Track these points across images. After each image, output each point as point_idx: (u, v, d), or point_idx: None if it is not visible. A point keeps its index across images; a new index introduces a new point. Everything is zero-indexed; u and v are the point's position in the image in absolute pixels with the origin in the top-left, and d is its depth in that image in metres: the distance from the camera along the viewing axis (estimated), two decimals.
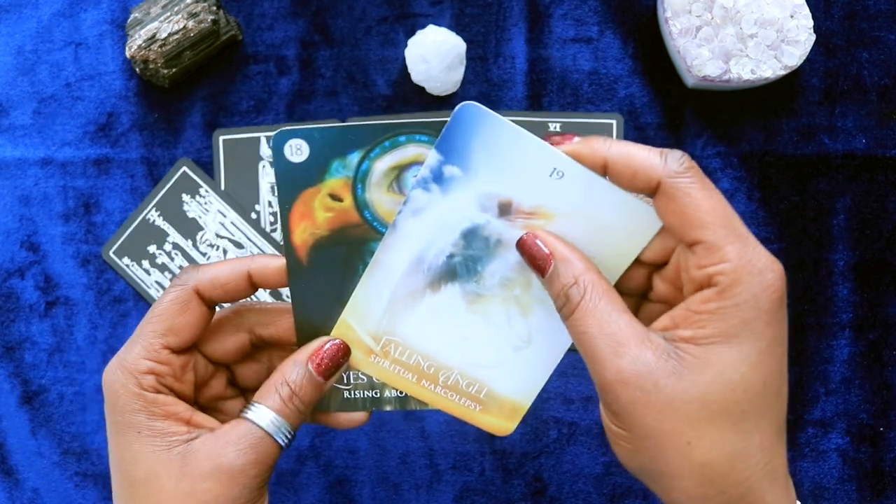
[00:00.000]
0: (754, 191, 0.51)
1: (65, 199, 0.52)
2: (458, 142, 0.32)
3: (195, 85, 0.52)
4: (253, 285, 0.34)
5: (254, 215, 0.52)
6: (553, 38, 0.52)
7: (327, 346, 0.34)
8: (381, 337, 0.35)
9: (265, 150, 0.51)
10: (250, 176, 0.51)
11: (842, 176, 0.51)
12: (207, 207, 0.52)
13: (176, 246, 0.52)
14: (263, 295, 0.52)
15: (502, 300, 0.34)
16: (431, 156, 0.32)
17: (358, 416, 0.36)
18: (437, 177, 0.32)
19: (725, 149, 0.51)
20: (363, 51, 0.52)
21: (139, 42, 0.49)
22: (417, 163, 0.33)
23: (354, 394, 0.36)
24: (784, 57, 0.48)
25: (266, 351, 0.37)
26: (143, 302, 0.52)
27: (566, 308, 0.30)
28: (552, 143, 0.31)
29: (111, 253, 0.52)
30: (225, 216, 0.52)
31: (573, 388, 0.51)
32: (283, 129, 0.33)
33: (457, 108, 0.31)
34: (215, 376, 0.36)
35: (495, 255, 0.33)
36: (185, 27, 0.48)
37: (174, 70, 0.49)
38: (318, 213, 0.34)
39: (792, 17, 0.47)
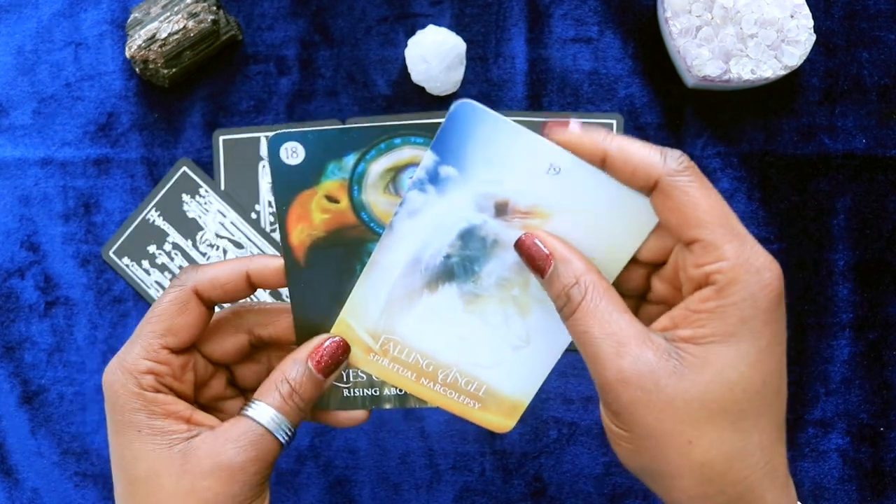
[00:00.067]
0: (754, 191, 0.51)
1: (65, 199, 0.52)
2: (453, 141, 0.32)
3: (195, 85, 0.52)
4: (252, 286, 0.34)
5: (254, 215, 0.52)
6: (553, 38, 0.52)
7: (327, 343, 0.34)
8: (380, 335, 0.35)
9: (265, 151, 0.51)
10: (250, 176, 0.51)
11: (842, 176, 0.51)
12: (207, 207, 0.52)
13: (176, 246, 0.52)
14: (263, 295, 0.52)
15: (500, 300, 0.34)
16: (427, 156, 0.32)
17: (358, 415, 0.36)
18: (433, 177, 0.32)
19: (725, 149, 0.51)
20: (363, 51, 0.52)
21: (139, 42, 0.49)
22: (413, 164, 0.33)
23: (354, 392, 0.36)
24: (784, 57, 0.48)
25: (265, 352, 0.37)
26: (142, 302, 0.52)
27: (567, 308, 0.30)
28: (550, 129, 0.31)
29: (111, 253, 0.52)
30: (225, 216, 0.52)
31: (573, 388, 0.51)
32: (279, 131, 0.33)
33: (452, 106, 0.31)
34: (215, 376, 0.36)
35: (492, 256, 0.33)
36: (185, 27, 0.48)
37: (174, 70, 0.49)
38: (315, 215, 0.34)
39: (792, 17, 0.47)
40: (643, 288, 0.33)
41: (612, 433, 0.30)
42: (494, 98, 0.51)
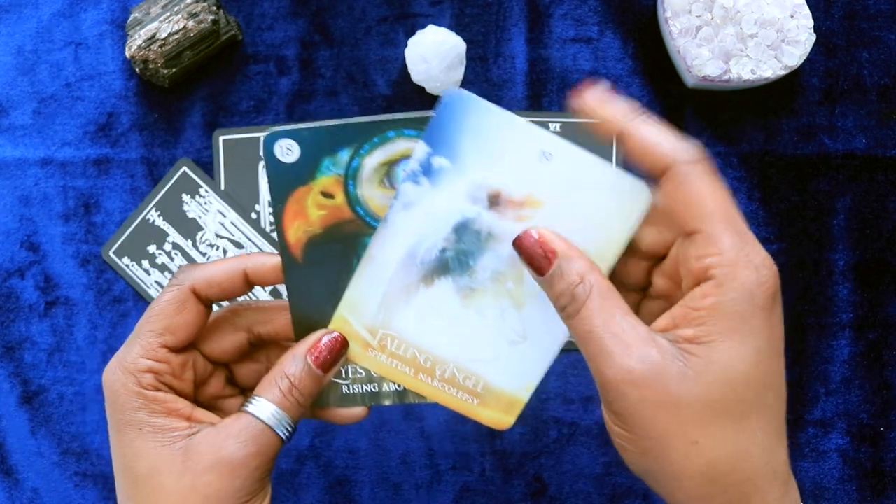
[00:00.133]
0: (754, 191, 0.51)
1: (65, 199, 0.52)
2: (445, 132, 0.32)
3: (195, 85, 0.52)
4: (249, 283, 0.34)
5: (254, 215, 0.52)
6: (553, 38, 0.52)
7: (325, 339, 0.34)
8: (378, 331, 0.35)
9: None
10: (250, 176, 0.51)
11: (842, 176, 0.51)
12: (207, 207, 0.52)
13: (176, 246, 0.52)
14: (263, 294, 0.52)
15: (495, 294, 0.34)
16: (420, 148, 0.32)
17: (357, 411, 0.36)
18: (427, 169, 0.32)
19: (725, 149, 0.51)
20: (363, 51, 0.52)
21: (139, 42, 0.49)
22: (407, 157, 0.33)
23: (353, 388, 0.36)
24: (784, 57, 0.48)
25: (264, 351, 0.37)
26: (143, 302, 0.52)
27: (571, 307, 0.30)
28: (576, 93, 0.31)
29: (111, 253, 0.52)
30: (225, 216, 0.52)
31: (573, 388, 0.51)
32: (273, 129, 0.33)
33: (443, 96, 0.31)
34: (214, 375, 0.36)
35: (486, 249, 0.33)
36: (185, 27, 0.48)
37: (174, 70, 0.49)
38: (311, 211, 0.34)
39: (792, 17, 0.47)
40: (644, 282, 0.33)
41: (616, 435, 0.30)
42: (494, 98, 0.51)
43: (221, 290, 0.34)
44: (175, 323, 0.33)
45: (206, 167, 0.52)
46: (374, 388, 0.36)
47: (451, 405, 0.35)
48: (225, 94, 0.52)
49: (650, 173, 0.30)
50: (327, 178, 0.34)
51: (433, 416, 0.51)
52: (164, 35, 0.48)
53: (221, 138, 0.51)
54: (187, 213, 0.52)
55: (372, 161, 0.33)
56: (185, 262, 0.51)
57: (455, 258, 0.33)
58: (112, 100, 0.52)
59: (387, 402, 0.36)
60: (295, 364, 0.34)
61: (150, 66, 0.49)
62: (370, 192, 0.34)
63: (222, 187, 0.52)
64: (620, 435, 0.30)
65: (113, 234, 0.52)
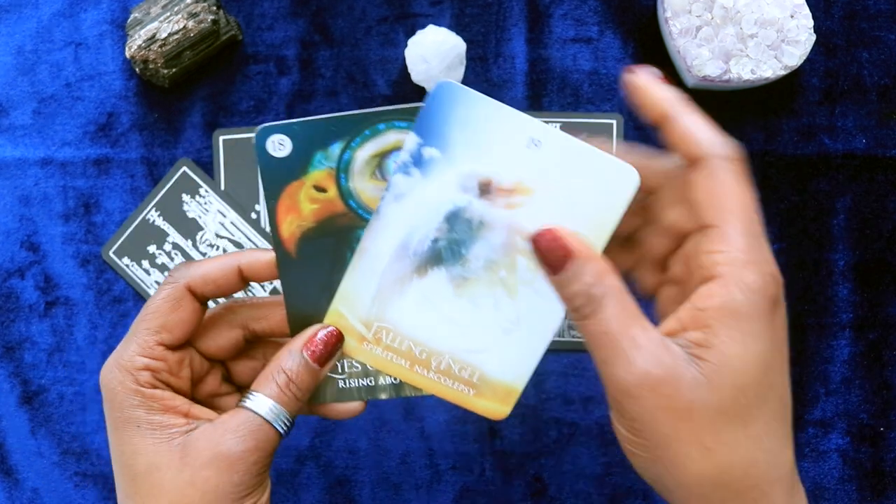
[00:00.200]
0: (754, 191, 0.51)
1: (65, 199, 0.52)
2: (435, 122, 0.32)
3: (195, 85, 0.52)
4: (244, 280, 0.35)
5: (254, 215, 0.52)
6: (553, 38, 0.52)
7: (321, 333, 0.34)
8: (373, 324, 0.35)
9: None
10: (250, 176, 0.51)
11: (842, 176, 0.51)
12: (207, 207, 0.52)
13: (176, 246, 0.52)
14: (262, 293, 0.52)
15: (488, 283, 0.34)
16: (410, 139, 0.32)
17: (354, 406, 0.36)
18: (417, 160, 0.33)
19: None
20: (363, 51, 0.52)
21: (139, 42, 0.49)
22: (398, 149, 0.33)
23: (349, 383, 0.36)
24: (784, 57, 0.48)
25: (261, 348, 0.37)
26: (142, 302, 0.52)
27: (587, 308, 0.29)
28: (630, 70, 0.31)
29: (111, 253, 0.52)
30: (225, 216, 0.52)
31: (573, 388, 0.51)
32: (265, 125, 0.33)
33: (432, 87, 0.32)
34: (211, 372, 0.36)
35: (478, 238, 0.33)
36: (185, 27, 0.48)
37: (174, 70, 0.49)
38: (304, 206, 0.34)
39: (792, 17, 0.47)
40: (664, 257, 0.33)
41: (626, 441, 0.30)
42: (494, 98, 0.51)
43: (216, 287, 0.34)
44: (171, 321, 0.33)
45: (206, 167, 0.52)
46: (371, 381, 0.36)
47: (448, 396, 0.35)
48: (225, 94, 0.52)
49: (676, 158, 0.30)
50: (319, 172, 0.34)
51: (433, 416, 0.51)
52: (164, 35, 0.48)
53: (221, 138, 0.51)
54: (187, 213, 0.51)
55: (363, 154, 0.34)
56: None
57: (447, 248, 0.34)
58: (112, 100, 0.52)
59: (383, 396, 0.36)
60: (291, 359, 0.34)
61: (150, 66, 0.49)
62: (362, 185, 0.34)
63: (222, 187, 0.52)
64: (631, 441, 0.29)
65: (113, 234, 0.52)
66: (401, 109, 0.33)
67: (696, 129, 0.30)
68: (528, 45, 0.51)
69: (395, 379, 0.36)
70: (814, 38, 0.48)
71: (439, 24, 0.51)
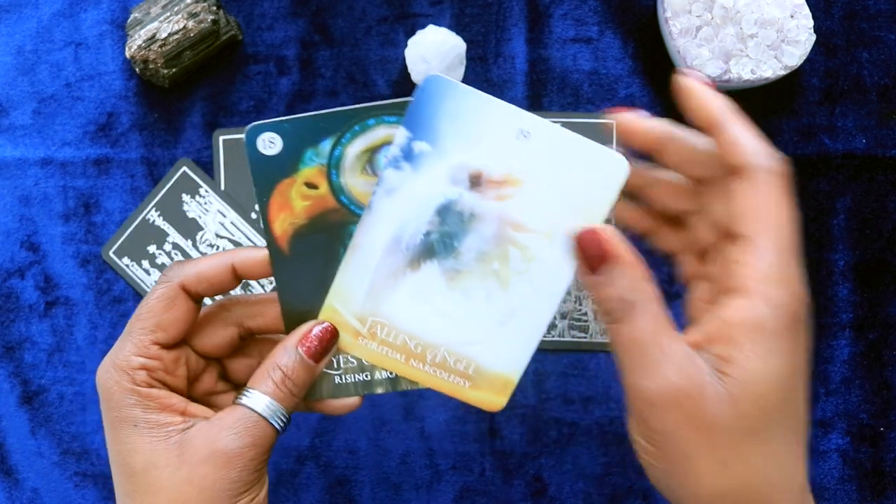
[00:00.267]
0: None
1: (65, 199, 0.52)
2: (425, 116, 0.32)
3: (195, 85, 0.52)
4: (238, 278, 0.35)
5: (254, 215, 0.52)
6: (553, 38, 0.52)
7: (316, 329, 0.34)
8: (367, 318, 0.35)
9: None
10: (250, 176, 0.51)
11: (842, 176, 0.51)
12: (207, 207, 0.52)
13: (176, 246, 0.52)
14: (259, 289, 0.52)
15: (481, 275, 0.34)
16: (400, 133, 0.33)
17: (351, 401, 0.36)
18: (408, 154, 0.33)
19: None
20: (363, 51, 0.52)
21: (139, 42, 0.49)
22: (388, 143, 0.33)
23: (345, 378, 0.36)
24: (784, 57, 0.48)
25: (256, 345, 0.37)
26: None
27: (619, 312, 0.29)
28: (681, 72, 0.31)
29: (111, 253, 0.52)
30: (225, 216, 0.52)
31: (573, 388, 0.51)
32: (255, 123, 0.34)
33: (421, 81, 0.32)
34: (207, 371, 0.36)
35: (470, 230, 0.33)
36: (185, 27, 0.48)
37: (174, 70, 0.49)
38: (296, 203, 0.34)
39: (792, 17, 0.47)
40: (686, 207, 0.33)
41: (643, 450, 0.30)
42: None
43: (210, 286, 0.34)
44: (166, 320, 0.33)
45: (206, 167, 0.52)
46: (367, 376, 0.36)
47: (444, 389, 0.36)
48: (225, 94, 0.52)
49: (718, 165, 0.30)
50: (310, 169, 0.34)
51: (433, 416, 0.51)
52: (164, 35, 0.48)
53: (221, 138, 0.51)
54: (187, 213, 0.51)
55: (354, 149, 0.34)
56: None
57: (440, 241, 0.34)
58: (112, 100, 0.52)
59: (379, 391, 0.36)
60: (287, 355, 0.34)
61: (150, 66, 0.49)
62: (353, 181, 0.34)
63: (222, 187, 0.52)
64: (648, 450, 0.29)
65: (113, 234, 0.52)
66: (390, 104, 0.33)
67: (743, 138, 0.29)
68: (528, 45, 0.51)
69: (391, 373, 0.36)
70: (814, 38, 0.48)
71: (439, 24, 0.51)
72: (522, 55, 0.51)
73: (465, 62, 0.51)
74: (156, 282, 0.35)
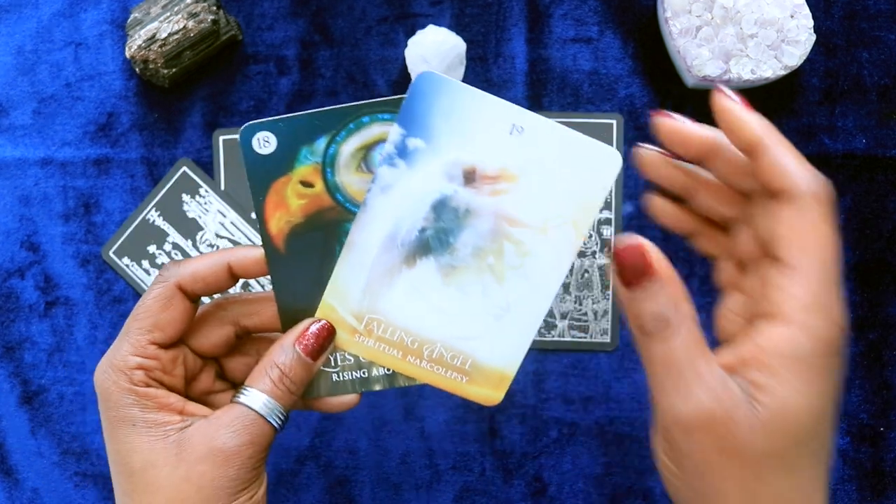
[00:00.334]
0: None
1: (65, 199, 0.52)
2: (418, 113, 0.32)
3: (195, 85, 0.52)
4: (234, 277, 0.35)
5: (253, 215, 0.52)
6: (553, 38, 0.52)
7: (312, 327, 0.35)
8: (364, 316, 0.35)
9: None
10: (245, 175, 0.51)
11: (842, 176, 0.51)
12: (207, 207, 0.52)
13: (176, 246, 0.52)
14: (259, 289, 0.52)
15: (476, 270, 0.34)
16: (394, 130, 0.33)
17: (349, 399, 0.36)
18: (402, 151, 0.33)
19: None
20: (363, 51, 0.52)
21: (139, 42, 0.49)
22: (382, 141, 0.33)
23: (343, 376, 0.36)
24: (784, 57, 0.48)
25: (253, 344, 0.37)
26: None
27: (655, 329, 0.29)
28: (717, 92, 0.30)
29: (111, 253, 0.52)
30: (225, 216, 0.52)
31: (573, 388, 0.51)
32: (250, 123, 0.34)
33: (414, 78, 0.32)
34: (204, 370, 0.36)
35: (465, 226, 0.34)
36: (185, 27, 0.48)
37: (174, 70, 0.49)
38: (292, 201, 0.34)
39: (792, 17, 0.47)
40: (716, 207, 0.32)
41: (667, 469, 0.30)
42: None
43: (206, 285, 0.34)
44: (162, 319, 0.33)
45: (206, 167, 0.52)
46: (364, 373, 0.36)
47: (441, 385, 0.36)
48: (225, 94, 0.52)
49: (757, 189, 0.30)
50: (306, 168, 0.34)
51: (433, 416, 0.51)
52: (164, 35, 0.48)
53: (221, 138, 0.51)
54: (187, 213, 0.52)
55: (348, 147, 0.34)
56: None
57: (435, 237, 0.34)
58: (112, 100, 0.52)
59: (377, 387, 0.36)
60: (284, 353, 0.34)
61: (150, 66, 0.49)
62: (348, 178, 0.34)
63: (222, 187, 0.52)
64: (672, 471, 0.29)
65: (113, 234, 0.52)
66: (384, 101, 0.33)
67: (787, 162, 0.28)
68: (528, 45, 0.51)
69: (389, 370, 0.36)
70: (814, 38, 0.48)
71: (439, 24, 0.51)
72: (522, 55, 0.51)
73: (465, 62, 0.51)
74: (152, 281, 0.34)
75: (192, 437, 0.32)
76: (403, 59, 0.51)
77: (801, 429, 0.27)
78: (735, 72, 0.48)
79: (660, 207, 0.34)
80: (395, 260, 0.34)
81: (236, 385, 0.37)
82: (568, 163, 0.32)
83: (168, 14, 0.49)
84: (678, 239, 0.35)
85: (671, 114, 0.31)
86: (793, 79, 0.51)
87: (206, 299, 0.37)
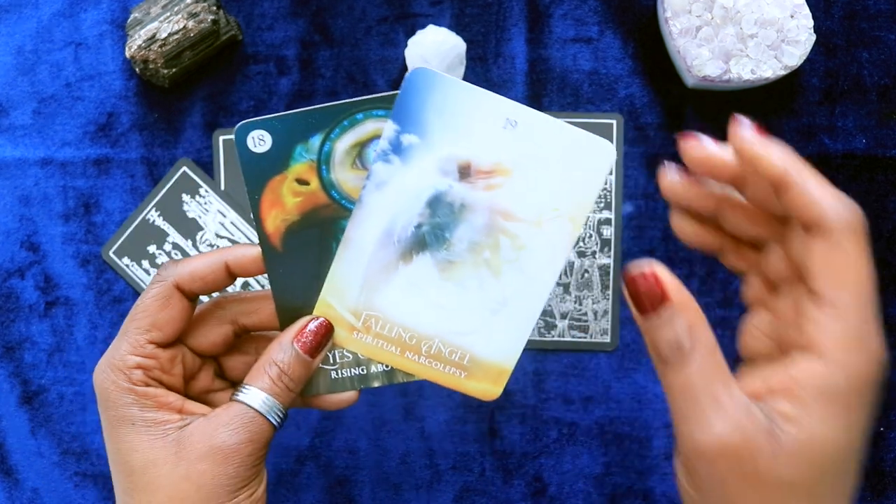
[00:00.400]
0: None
1: (65, 199, 0.52)
2: (412, 109, 0.33)
3: (195, 85, 0.52)
4: (231, 275, 0.35)
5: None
6: (553, 38, 0.52)
7: (311, 325, 0.35)
8: (361, 312, 0.35)
9: None
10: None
11: (842, 176, 0.51)
12: (207, 207, 0.52)
13: (176, 246, 0.52)
14: (259, 288, 0.52)
15: (473, 265, 0.34)
16: (388, 127, 0.33)
17: (348, 396, 0.36)
18: (396, 147, 0.33)
19: None
20: (363, 51, 0.52)
21: (139, 42, 0.49)
22: (377, 137, 0.34)
23: (341, 373, 0.36)
24: (784, 57, 0.48)
25: (252, 342, 0.38)
26: None
27: (672, 357, 0.28)
28: (738, 125, 0.29)
29: (111, 253, 0.52)
30: (225, 216, 0.52)
31: (573, 388, 0.51)
32: (245, 122, 0.34)
33: (407, 74, 0.32)
34: (203, 369, 0.36)
35: (461, 220, 0.34)
36: (185, 27, 0.48)
37: (174, 70, 0.49)
38: (287, 199, 0.35)
39: (792, 17, 0.47)
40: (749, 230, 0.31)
41: (687, 494, 0.29)
42: None
43: (204, 284, 0.34)
44: (161, 319, 0.33)
45: (206, 167, 0.52)
46: (363, 370, 0.36)
47: (439, 380, 0.36)
48: (225, 94, 0.52)
49: (788, 219, 0.29)
50: (301, 165, 0.34)
51: (433, 416, 0.51)
52: (164, 35, 0.48)
53: (221, 138, 0.51)
54: (187, 213, 0.52)
55: (343, 144, 0.34)
56: None
57: (431, 232, 0.34)
58: (112, 100, 0.52)
59: (376, 384, 0.36)
60: (282, 351, 0.34)
61: (150, 66, 0.49)
62: (343, 175, 0.34)
63: (222, 187, 0.52)
64: (692, 497, 0.29)
65: (113, 234, 0.52)
66: (378, 98, 0.33)
67: (817, 194, 0.27)
68: (528, 45, 0.51)
69: (387, 366, 0.36)
70: (814, 38, 0.48)
71: (439, 24, 0.51)
72: (522, 55, 0.51)
73: (465, 62, 0.51)
74: (150, 281, 0.35)
75: (191, 435, 0.32)
76: (403, 59, 0.51)
77: (826, 460, 0.27)
78: (735, 72, 0.48)
79: (685, 229, 0.33)
80: (392, 256, 0.34)
81: (235, 384, 0.37)
82: (562, 156, 0.32)
83: (168, 14, 0.49)
84: (677, 239, 0.35)
85: (697, 135, 0.30)
86: (793, 79, 0.51)
87: (204, 298, 0.37)
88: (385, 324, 0.35)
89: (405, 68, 0.51)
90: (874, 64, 0.51)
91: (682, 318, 0.28)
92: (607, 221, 0.51)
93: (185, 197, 0.51)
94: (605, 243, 0.51)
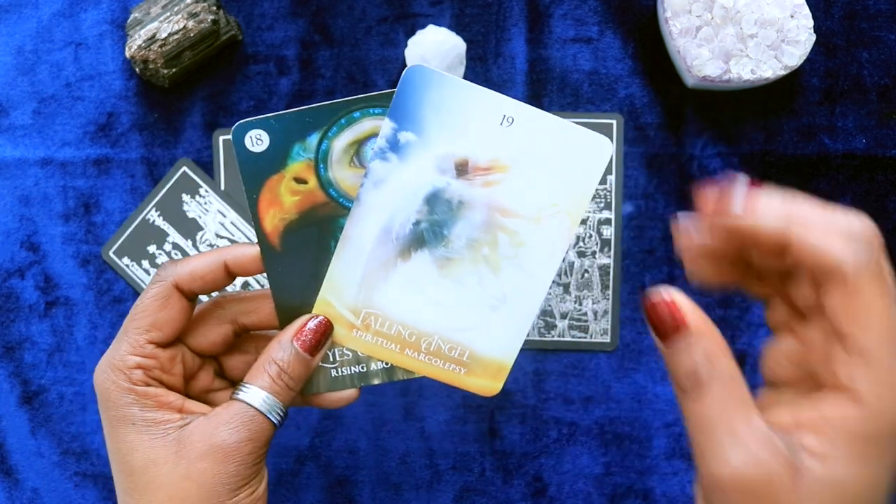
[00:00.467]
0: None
1: (65, 199, 0.52)
2: (409, 107, 0.33)
3: (195, 85, 0.52)
4: (230, 275, 0.35)
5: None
6: (553, 38, 0.52)
7: (310, 323, 0.35)
8: (360, 310, 0.35)
9: None
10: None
11: (842, 176, 0.51)
12: (207, 207, 0.52)
13: (176, 246, 0.52)
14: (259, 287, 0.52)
15: (472, 261, 0.34)
16: (385, 125, 0.33)
17: (348, 394, 0.37)
18: (394, 145, 0.33)
19: (725, 149, 0.51)
20: (363, 51, 0.52)
21: (139, 42, 0.49)
22: (374, 135, 0.34)
23: (341, 371, 0.36)
24: (784, 57, 0.48)
25: (252, 341, 0.38)
26: None
27: (690, 385, 0.27)
28: (710, 196, 0.28)
29: (111, 253, 0.52)
30: (225, 216, 0.52)
31: (573, 388, 0.51)
32: (242, 121, 0.34)
33: (403, 72, 0.32)
34: (203, 369, 0.37)
35: (459, 217, 0.34)
36: (185, 27, 0.48)
37: (174, 70, 0.49)
38: (285, 198, 0.35)
39: (792, 17, 0.47)
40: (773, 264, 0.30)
41: None
42: None
43: (203, 284, 0.34)
44: (160, 318, 0.34)
45: (206, 167, 0.52)
46: (362, 368, 0.36)
47: (439, 377, 0.36)
48: (225, 94, 0.52)
49: (804, 271, 0.28)
50: (299, 164, 0.34)
51: (433, 416, 0.51)
52: (164, 35, 0.48)
53: (221, 138, 0.51)
54: (187, 213, 0.52)
55: (340, 142, 0.34)
56: None
57: (429, 229, 0.34)
58: (112, 100, 0.52)
59: (376, 381, 0.37)
60: (282, 350, 0.34)
61: (150, 66, 0.49)
62: (341, 174, 0.34)
63: (222, 187, 0.52)
64: None
65: (113, 234, 0.52)
66: (375, 96, 0.33)
67: (826, 245, 0.26)
68: (528, 45, 0.51)
69: (387, 363, 0.36)
70: (814, 38, 0.48)
71: (439, 24, 0.51)
72: (522, 55, 0.51)
73: (465, 62, 0.51)
74: (149, 281, 0.35)
75: (191, 434, 0.32)
76: (403, 59, 0.51)
77: (848, 500, 0.26)
78: (735, 72, 0.48)
79: (705, 273, 0.31)
80: (391, 254, 0.34)
81: (235, 383, 0.37)
82: (559, 152, 0.32)
83: (168, 14, 0.49)
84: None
85: (735, 187, 0.28)
86: (793, 79, 0.51)
87: (203, 298, 0.37)
88: (384, 321, 0.35)
89: (405, 68, 0.51)
90: (874, 64, 0.51)
91: (700, 347, 0.27)
92: (607, 221, 0.51)
93: (185, 197, 0.51)
94: (605, 243, 0.51)
